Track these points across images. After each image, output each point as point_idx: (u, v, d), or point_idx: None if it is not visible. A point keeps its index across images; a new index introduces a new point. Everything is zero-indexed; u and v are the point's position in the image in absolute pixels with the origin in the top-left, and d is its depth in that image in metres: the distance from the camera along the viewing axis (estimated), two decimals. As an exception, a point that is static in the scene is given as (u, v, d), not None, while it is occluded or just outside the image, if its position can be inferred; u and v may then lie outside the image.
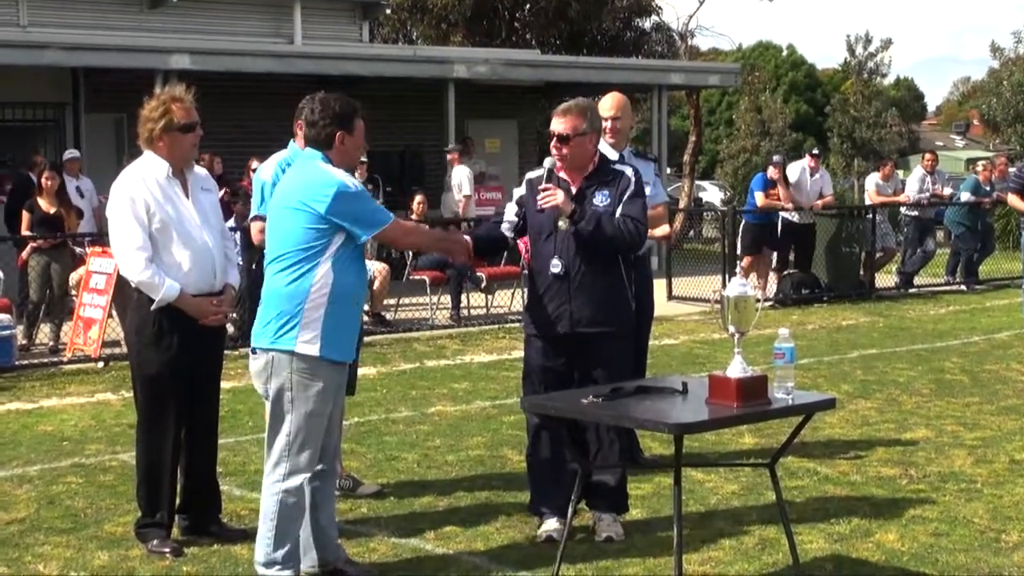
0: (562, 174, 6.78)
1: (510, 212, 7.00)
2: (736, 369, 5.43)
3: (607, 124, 8.09)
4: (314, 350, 5.82)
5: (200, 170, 6.97)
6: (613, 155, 8.11)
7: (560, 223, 6.60)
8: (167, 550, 6.57)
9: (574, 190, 6.72)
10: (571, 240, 6.62)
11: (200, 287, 6.63)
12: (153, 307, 6.54)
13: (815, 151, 19.69)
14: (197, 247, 6.62)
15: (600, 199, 6.73)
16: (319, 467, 6.07)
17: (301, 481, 5.93)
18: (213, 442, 7.02)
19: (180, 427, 6.73)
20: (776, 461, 5.90)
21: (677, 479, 5.37)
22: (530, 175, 6.96)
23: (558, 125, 6.70)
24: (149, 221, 6.53)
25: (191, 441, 6.83)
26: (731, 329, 5.54)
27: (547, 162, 6.81)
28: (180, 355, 6.60)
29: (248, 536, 6.71)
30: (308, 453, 5.91)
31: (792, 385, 5.54)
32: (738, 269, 5.77)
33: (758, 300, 5.58)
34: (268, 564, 5.96)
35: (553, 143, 6.74)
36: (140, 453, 6.82)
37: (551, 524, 6.74)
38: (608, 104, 8.23)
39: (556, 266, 6.67)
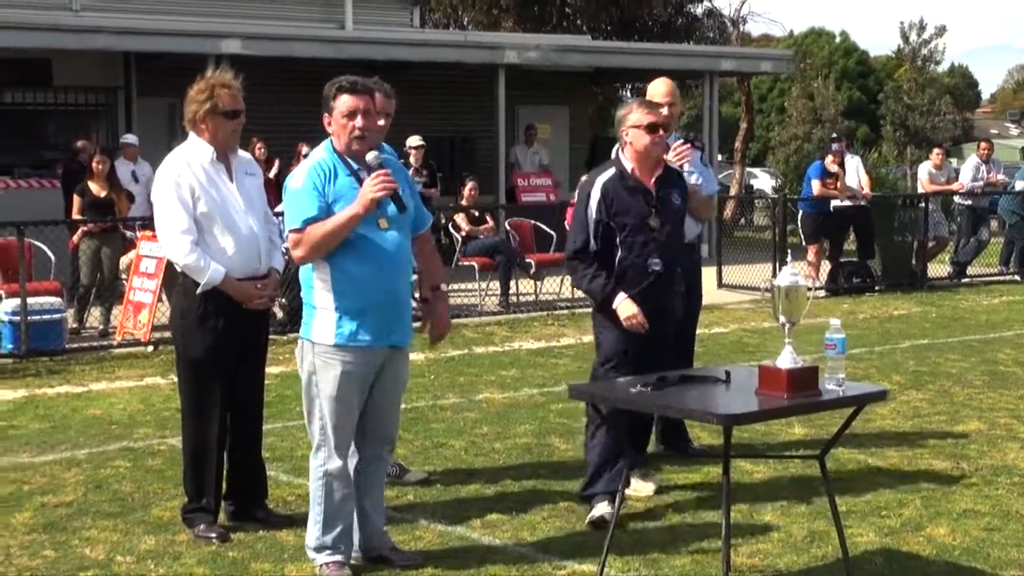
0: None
1: (586, 231, 6.96)
2: (787, 359, 5.37)
3: (661, 111, 8.01)
4: (327, 337, 5.86)
5: (244, 154, 6.96)
6: None
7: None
8: (213, 535, 6.57)
9: (651, 188, 6.95)
10: (668, 240, 6.93)
11: (245, 271, 6.63)
12: (198, 291, 6.54)
13: (834, 135, 19.58)
14: (241, 231, 6.62)
15: (675, 198, 7.06)
16: (368, 453, 6.06)
17: (342, 464, 5.95)
18: (258, 427, 7.01)
19: (225, 412, 6.73)
20: (826, 453, 5.83)
21: (726, 470, 5.32)
22: (603, 179, 6.97)
23: (653, 116, 6.94)
24: (194, 205, 6.54)
25: (237, 426, 6.85)
26: (782, 319, 5.47)
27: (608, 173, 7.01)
28: (225, 339, 6.60)
29: (294, 522, 6.73)
30: (342, 436, 5.95)
31: (843, 376, 5.48)
32: (808, 258, 5.67)
33: (810, 289, 5.51)
34: (319, 549, 5.99)
35: (659, 135, 6.95)
36: (185, 438, 6.84)
37: (604, 507, 6.76)
38: (661, 91, 8.14)
39: (656, 264, 6.89)
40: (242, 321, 6.65)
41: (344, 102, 5.92)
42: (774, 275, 17.85)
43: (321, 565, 6.01)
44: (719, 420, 5.14)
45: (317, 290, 5.92)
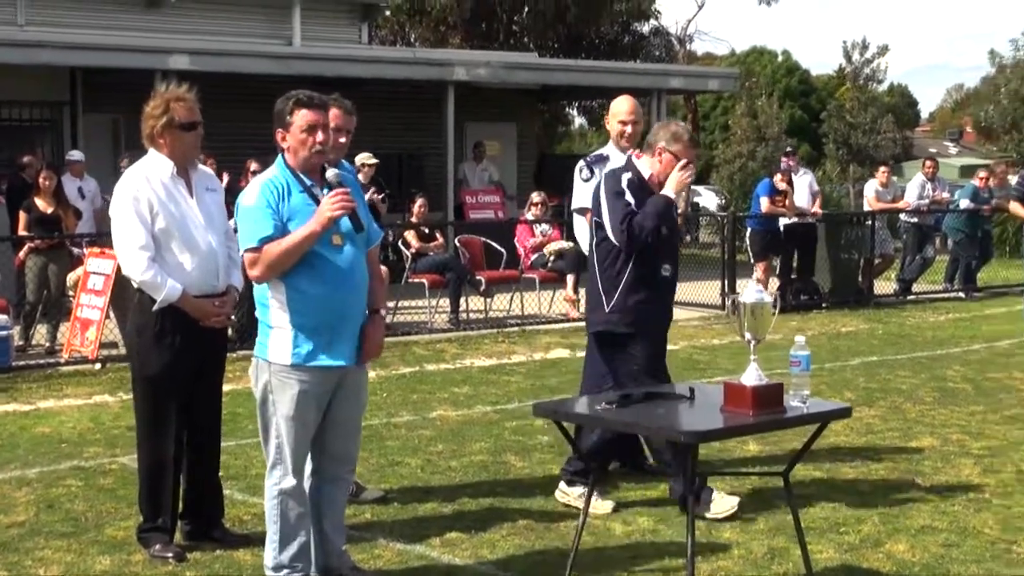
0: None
1: (628, 207, 7.17)
2: (752, 377, 5.37)
3: (626, 128, 8.10)
4: (284, 357, 5.79)
5: (205, 169, 6.89)
6: (621, 158, 8.08)
7: None
8: (170, 555, 6.49)
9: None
10: (675, 246, 7.36)
11: (203, 288, 6.56)
12: (155, 308, 6.47)
13: (788, 148, 19.67)
14: (200, 248, 6.55)
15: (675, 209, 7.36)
16: (328, 473, 6.02)
17: (297, 482, 5.89)
18: (215, 446, 6.94)
19: (181, 430, 6.65)
20: (790, 470, 5.84)
21: (690, 488, 5.30)
22: (626, 177, 7.20)
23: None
24: (152, 221, 6.46)
25: (193, 445, 6.77)
26: (747, 336, 5.47)
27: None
28: (181, 357, 6.53)
29: (251, 541, 6.67)
30: (298, 455, 5.87)
31: (807, 393, 5.49)
32: (755, 277, 5.70)
33: (774, 306, 5.51)
34: (276, 568, 5.93)
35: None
36: (141, 457, 6.75)
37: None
38: (626, 108, 8.19)
39: (667, 270, 7.28)
40: (199, 338, 6.57)
41: (303, 116, 5.82)
42: (722, 292, 17.94)
43: None
44: (687, 437, 5.13)
45: (272, 309, 5.84)
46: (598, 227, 7.33)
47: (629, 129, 8.12)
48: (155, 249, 6.47)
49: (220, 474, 7.16)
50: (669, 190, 7.11)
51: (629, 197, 7.13)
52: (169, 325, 6.50)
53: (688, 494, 5.24)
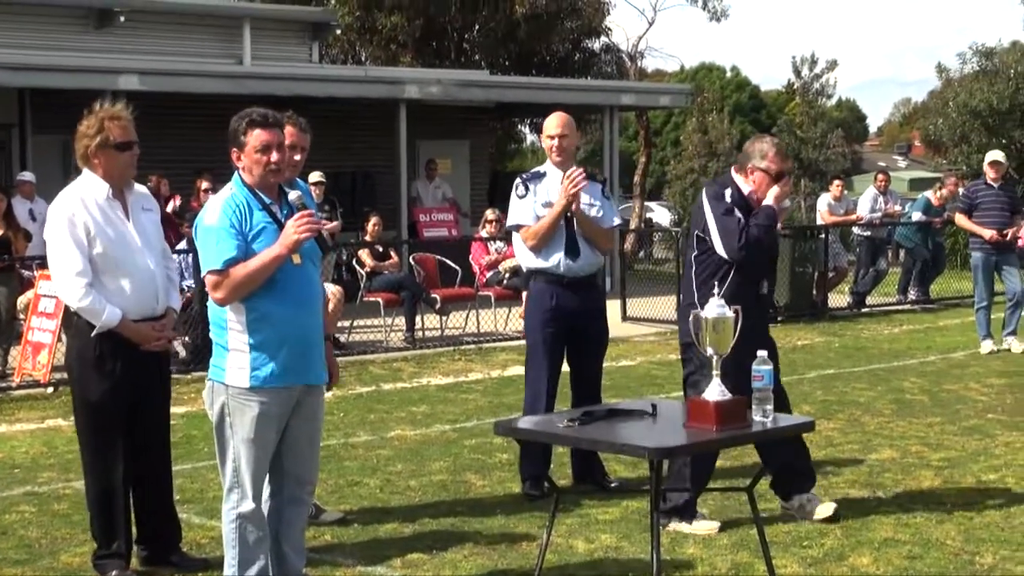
0: None
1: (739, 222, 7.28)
2: (715, 392, 5.33)
3: (554, 143, 8.12)
4: (242, 380, 5.70)
5: (140, 188, 6.75)
6: (558, 174, 8.07)
7: None
8: None
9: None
10: (772, 263, 7.54)
11: (142, 312, 6.44)
12: (93, 333, 6.36)
13: None
14: (139, 271, 6.44)
15: None
16: (287, 495, 5.94)
17: (255, 506, 5.80)
18: (166, 470, 6.82)
19: (127, 454, 6.53)
20: (754, 485, 5.81)
21: (656, 505, 5.24)
22: (729, 192, 7.32)
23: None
24: (89, 245, 6.34)
25: (143, 470, 6.64)
26: (709, 351, 5.44)
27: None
28: (123, 381, 6.41)
29: (210, 565, 6.58)
30: (256, 478, 5.79)
31: (771, 408, 5.46)
32: (714, 291, 5.67)
33: (736, 321, 5.48)
34: None
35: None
36: (89, 484, 6.64)
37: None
38: (554, 123, 8.18)
39: (765, 288, 7.47)
40: (140, 362, 6.46)
41: (257, 137, 5.73)
42: (678, 307, 17.92)
43: None
44: (652, 454, 5.08)
45: (231, 331, 5.74)
46: (700, 241, 7.38)
47: (556, 143, 8.13)
48: (93, 274, 6.35)
49: (176, 498, 7.09)
50: (770, 201, 7.27)
51: (737, 212, 7.26)
52: (108, 350, 6.38)
53: (655, 511, 5.19)
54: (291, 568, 6.02)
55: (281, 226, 5.72)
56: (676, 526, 7.27)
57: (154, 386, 6.65)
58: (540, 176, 8.21)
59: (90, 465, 6.60)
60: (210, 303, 5.83)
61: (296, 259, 5.74)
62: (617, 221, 8.57)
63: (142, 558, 6.70)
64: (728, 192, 7.33)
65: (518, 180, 8.27)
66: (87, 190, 6.43)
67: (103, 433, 6.49)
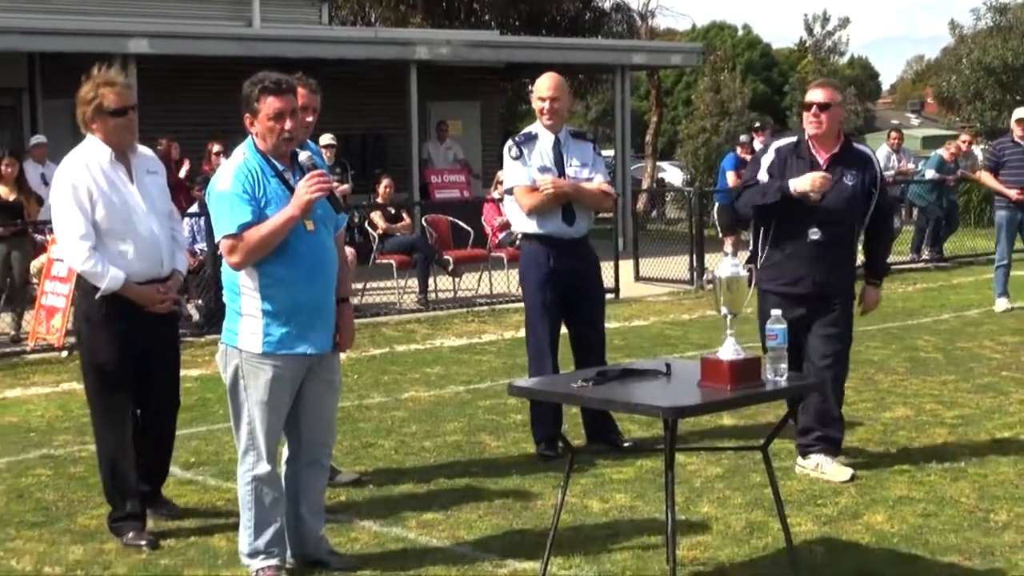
0: (811, 147, 7.49)
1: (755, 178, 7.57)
2: (729, 351, 5.32)
3: (545, 105, 8.07)
4: (255, 345, 5.72)
5: (145, 151, 6.78)
6: (550, 136, 8.04)
7: None
8: (143, 543, 6.43)
9: (823, 163, 7.42)
10: (831, 214, 7.35)
11: (146, 274, 6.49)
12: (97, 296, 6.41)
13: (756, 124, 19.64)
14: (142, 235, 6.46)
15: (850, 179, 7.46)
16: (305, 458, 5.99)
17: (270, 468, 5.83)
18: (168, 430, 6.90)
19: (135, 416, 6.59)
20: (769, 444, 5.80)
21: (670, 464, 5.25)
22: (778, 144, 7.59)
23: (818, 95, 7.43)
24: (92, 209, 6.37)
25: (148, 429, 6.72)
26: (723, 310, 5.42)
27: (777, 143, 7.67)
28: (129, 343, 6.47)
29: (228, 527, 6.59)
30: (271, 441, 5.82)
31: (784, 367, 5.44)
32: (725, 250, 5.65)
33: (750, 280, 5.47)
34: (252, 554, 5.89)
35: (812, 111, 7.40)
36: (100, 447, 6.70)
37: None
38: (545, 85, 8.13)
39: (815, 233, 7.36)
40: (146, 324, 6.50)
41: (270, 104, 5.71)
42: (691, 267, 17.93)
43: (256, 571, 5.89)
44: (666, 413, 5.07)
45: (244, 296, 5.75)
46: None
47: (548, 105, 8.06)
48: (96, 237, 6.39)
49: (191, 460, 7.10)
50: (794, 185, 7.31)
51: (766, 166, 7.51)
52: (114, 312, 6.43)
53: (669, 470, 5.19)
54: (309, 530, 6.06)
55: (292, 192, 5.72)
56: (818, 459, 7.51)
57: (162, 347, 6.70)
58: (532, 138, 8.16)
59: (99, 427, 6.66)
60: (224, 268, 5.85)
61: (310, 225, 5.74)
62: (603, 178, 8.38)
63: None
64: (777, 144, 7.62)
65: (510, 142, 8.22)
66: (90, 154, 6.47)
67: (111, 395, 6.55)
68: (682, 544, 6.21)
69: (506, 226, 16.91)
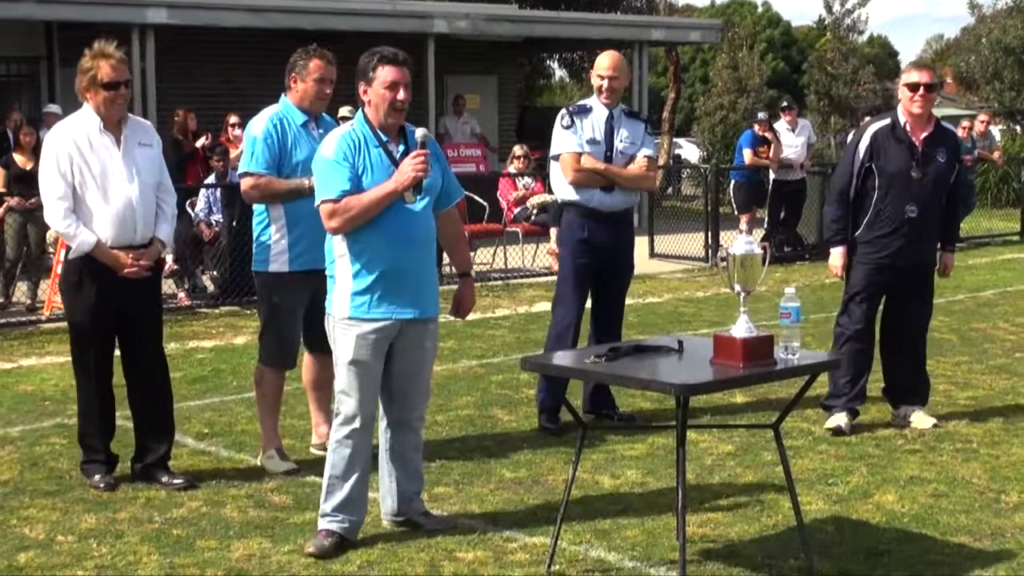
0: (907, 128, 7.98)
1: (849, 174, 8.11)
2: (741, 328, 5.32)
3: (604, 83, 8.12)
4: (343, 311, 5.91)
5: (142, 123, 7.08)
6: (604, 111, 8.07)
7: None
8: (101, 485, 6.82)
9: (919, 144, 7.93)
10: (927, 192, 7.95)
11: (120, 240, 6.77)
12: (69, 256, 6.79)
13: (784, 104, 19.58)
14: (119, 201, 6.74)
15: (942, 157, 8.01)
16: (396, 424, 6.16)
17: (357, 426, 5.95)
18: (158, 391, 7.07)
19: (105, 374, 6.93)
20: (780, 423, 5.80)
21: (681, 441, 5.26)
22: (874, 129, 8.02)
23: (924, 76, 7.85)
24: (73, 173, 6.68)
25: (142, 392, 7.00)
26: (737, 288, 5.43)
27: (875, 121, 8.16)
28: (100, 305, 6.78)
29: (240, 498, 6.62)
30: (354, 402, 5.94)
31: (798, 345, 5.44)
32: (741, 227, 5.64)
33: (764, 259, 5.46)
34: (321, 516, 6.04)
35: (920, 92, 7.84)
36: (78, 397, 7.08)
37: (840, 418, 8.07)
38: (606, 63, 8.17)
39: (912, 211, 7.92)
40: (119, 288, 6.77)
41: (388, 72, 5.99)
42: (706, 245, 17.91)
43: (318, 532, 6.01)
44: (677, 390, 5.08)
45: (338, 261, 5.94)
46: None
47: (606, 84, 8.10)
48: (74, 200, 6.70)
49: (204, 431, 7.13)
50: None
51: (864, 151, 7.98)
52: (88, 272, 6.76)
53: (680, 447, 5.20)
54: (404, 492, 6.24)
55: (395, 164, 5.88)
56: (907, 409, 8.29)
57: (141, 307, 6.95)
58: (587, 111, 8.20)
59: (77, 378, 7.02)
60: (327, 236, 6.02)
61: (408, 197, 5.88)
62: (651, 152, 8.39)
63: (136, 472, 7.03)
64: (873, 128, 8.02)
65: (564, 111, 8.28)
66: (79, 122, 6.79)
67: (84, 349, 6.89)
68: (692, 521, 6.22)
69: (521, 201, 16.92)
